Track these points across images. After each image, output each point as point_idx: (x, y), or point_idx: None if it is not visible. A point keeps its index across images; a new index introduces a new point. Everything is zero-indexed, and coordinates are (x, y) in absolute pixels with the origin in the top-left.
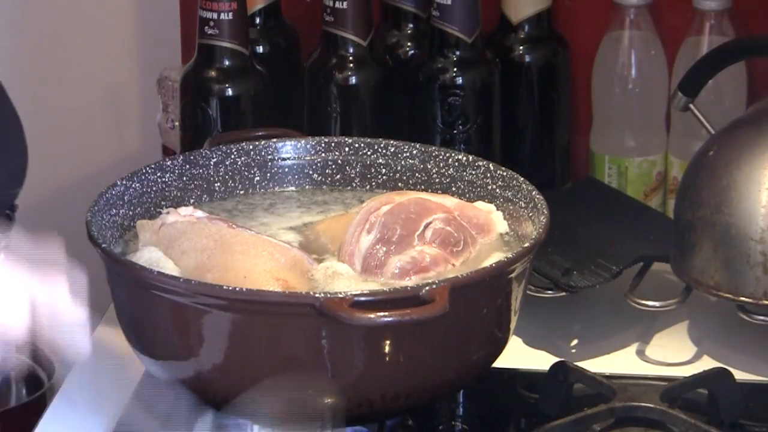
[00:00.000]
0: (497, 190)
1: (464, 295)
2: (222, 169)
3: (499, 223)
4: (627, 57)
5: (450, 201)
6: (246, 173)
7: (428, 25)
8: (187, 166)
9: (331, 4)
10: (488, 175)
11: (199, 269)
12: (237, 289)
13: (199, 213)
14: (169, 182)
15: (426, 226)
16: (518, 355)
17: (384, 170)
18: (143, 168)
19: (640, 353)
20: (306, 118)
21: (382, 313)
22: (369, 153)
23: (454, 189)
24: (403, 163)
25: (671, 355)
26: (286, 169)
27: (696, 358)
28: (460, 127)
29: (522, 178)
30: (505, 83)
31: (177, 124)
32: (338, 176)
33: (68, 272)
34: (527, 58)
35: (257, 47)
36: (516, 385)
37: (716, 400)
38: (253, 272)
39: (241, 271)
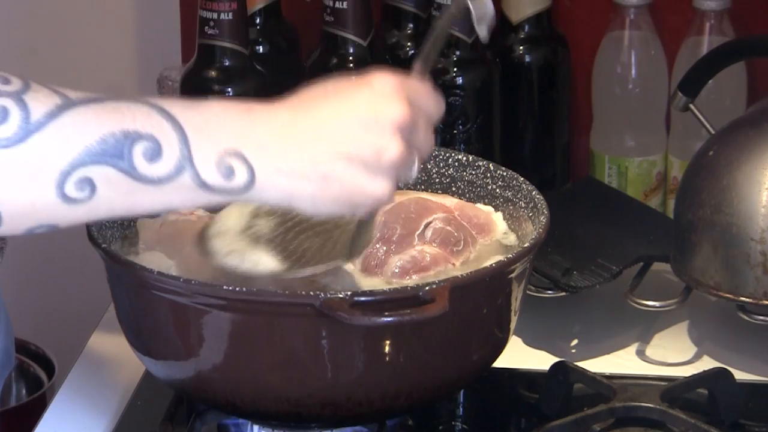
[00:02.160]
0: (497, 190)
1: (464, 295)
2: None
3: (499, 223)
4: (627, 57)
5: (450, 201)
6: None
7: (428, 25)
8: None
9: (331, 4)
10: (488, 175)
11: (199, 268)
12: (237, 289)
13: (201, 211)
14: None
15: (426, 226)
16: (518, 355)
17: None
18: None
19: (640, 353)
20: None
21: (382, 313)
22: None
23: (454, 189)
24: None
25: (671, 355)
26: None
27: (696, 358)
28: (460, 127)
29: (522, 178)
30: (505, 83)
31: None
32: None
33: None
34: (527, 58)
35: (257, 47)
36: (516, 385)
37: (716, 400)
38: None
39: None
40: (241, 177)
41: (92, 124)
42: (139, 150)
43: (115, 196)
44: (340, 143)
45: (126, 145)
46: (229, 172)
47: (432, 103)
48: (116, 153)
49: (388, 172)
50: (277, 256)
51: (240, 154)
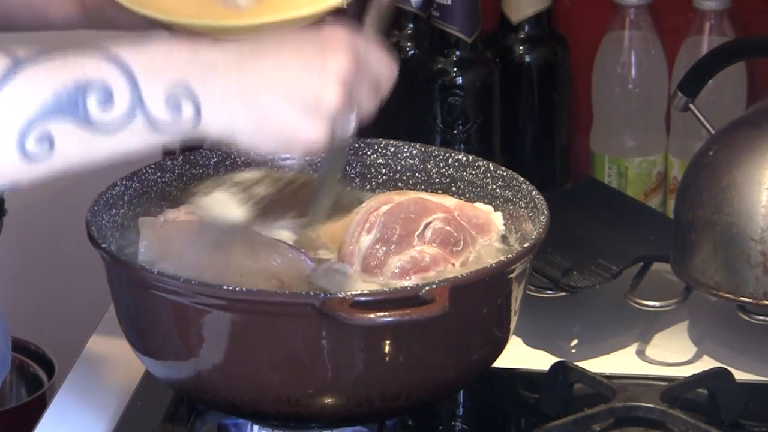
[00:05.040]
0: (497, 190)
1: (464, 295)
2: (222, 169)
3: (498, 223)
4: (627, 57)
5: (449, 201)
6: None
7: (428, 25)
8: (187, 166)
9: None
10: (488, 175)
11: (196, 267)
12: (237, 289)
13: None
14: (169, 182)
15: (426, 226)
16: (518, 355)
17: (384, 170)
18: (143, 168)
19: (640, 353)
20: None
21: (382, 313)
22: (369, 153)
23: (454, 189)
24: (403, 163)
25: (671, 355)
26: (286, 169)
27: (696, 358)
28: (460, 127)
29: (522, 178)
30: (505, 83)
31: None
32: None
33: None
34: (527, 58)
35: None
36: (516, 385)
37: (716, 400)
38: (249, 271)
39: (237, 270)
40: (188, 112)
41: (44, 81)
42: (92, 99)
43: (72, 149)
44: (281, 83)
45: (79, 95)
46: (177, 108)
47: (381, 63)
48: (71, 104)
49: (324, 118)
50: (243, 207)
51: (186, 87)
